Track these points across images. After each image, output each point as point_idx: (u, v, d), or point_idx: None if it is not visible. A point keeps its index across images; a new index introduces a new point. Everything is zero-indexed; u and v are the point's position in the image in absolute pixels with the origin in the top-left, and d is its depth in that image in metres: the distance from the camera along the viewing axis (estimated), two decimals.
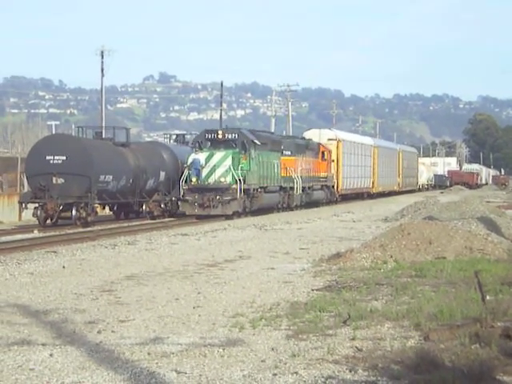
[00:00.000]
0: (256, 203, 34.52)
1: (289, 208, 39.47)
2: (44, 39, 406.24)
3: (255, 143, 33.88)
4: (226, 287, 13.05)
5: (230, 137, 33.31)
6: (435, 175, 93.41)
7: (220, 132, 33.62)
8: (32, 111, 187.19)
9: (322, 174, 45.59)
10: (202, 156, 32.58)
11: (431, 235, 16.01)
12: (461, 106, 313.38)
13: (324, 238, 22.68)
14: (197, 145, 33.56)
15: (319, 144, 46.29)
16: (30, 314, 10.65)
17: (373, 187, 59.81)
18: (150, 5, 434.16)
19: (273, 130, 58.20)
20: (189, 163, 32.66)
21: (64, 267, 15.88)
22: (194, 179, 32.34)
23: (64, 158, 27.87)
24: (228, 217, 32.11)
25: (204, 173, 32.40)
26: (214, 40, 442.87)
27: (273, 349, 8.56)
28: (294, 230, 26.60)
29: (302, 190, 40.93)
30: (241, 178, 32.17)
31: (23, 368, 7.83)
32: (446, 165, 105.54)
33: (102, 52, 55.03)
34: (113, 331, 9.56)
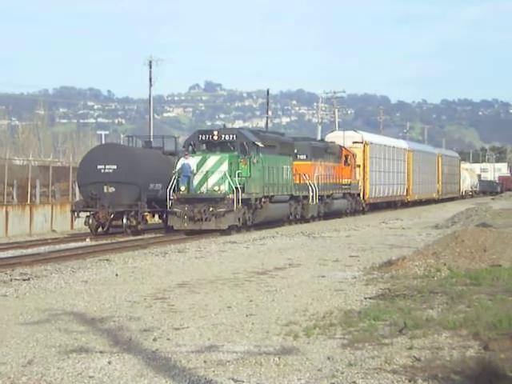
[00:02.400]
0: (260, 215, 30.01)
1: (303, 220, 35.15)
2: (93, 50, 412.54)
3: (257, 145, 29.27)
4: (278, 295, 13.04)
5: (226, 138, 28.68)
6: (483, 181, 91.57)
7: (215, 132, 28.82)
8: (81, 121, 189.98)
9: (345, 181, 41.16)
10: (192, 160, 27.83)
11: (486, 242, 15.78)
12: (511, 111, 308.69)
13: (374, 246, 22.52)
14: (189, 148, 28.82)
15: (341, 147, 41.94)
16: (87, 321, 10.79)
17: (407, 195, 55.16)
18: (195, 14, 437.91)
19: (319, 137, 54.91)
20: (177, 169, 27.94)
21: (117, 275, 16.05)
22: (182, 188, 27.54)
23: (115, 167, 28.20)
24: (223, 232, 27.48)
25: (196, 180, 27.78)
26: (260, 48, 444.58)
27: (329, 358, 8.52)
28: (343, 237, 26.47)
29: (320, 199, 36.53)
30: (238, 186, 27.40)
31: (83, 376, 7.92)
32: (496, 171, 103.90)
33: (151, 62, 55.62)
34: (168, 339, 9.62)
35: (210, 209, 27.05)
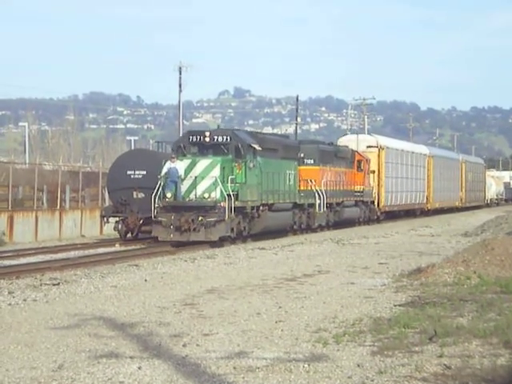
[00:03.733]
0: (257, 225, 27.31)
1: (310, 229, 32.58)
2: (122, 56, 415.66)
3: (254, 148, 26.54)
4: (307, 302, 13.01)
5: (219, 140, 25.90)
6: (510, 189, 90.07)
7: (207, 134, 26.09)
8: (111, 126, 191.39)
9: (357, 188, 38.42)
10: (180, 165, 25.10)
11: None
12: None
13: (403, 253, 22.39)
14: (179, 150, 26.07)
15: (354, 152, 39.16)
16: (116, 326, 10.84)
17: (428, 203, 52.06)
18: (224, 20, 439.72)
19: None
20: (163, 173, 25.24)
21: (146, 280, 16.12)
22: (169, 195, 24.83)
23: (144, 172, 28.31)
24: (214, 244, 24.89)
25: (184, 186, 25.05)
26: (289, 54, 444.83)
27: (358, 365, 8.48)
28: (372, 244, 26.37)
29: (328, 207, 33.93)
30: (231, 193, 24.78)
31: (113, 381, 7.96)
32: None
33: (180, 68, 55.91)
34: (197, 345, 9.63)
35: (199, 218, 24.30)
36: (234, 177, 25.27)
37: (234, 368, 8.40)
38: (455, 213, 56.46)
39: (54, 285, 15.33)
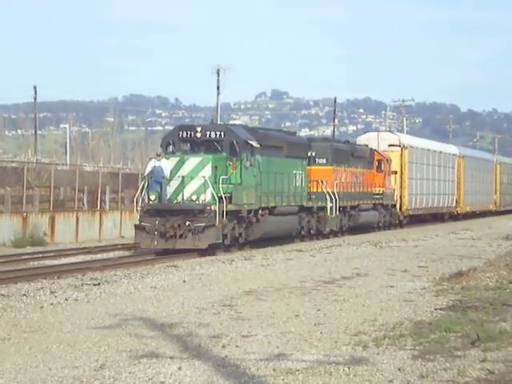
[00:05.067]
0: (256, 231, 24.78)
1: (321, 235, 30.11)
2: (161, 58, 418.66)
3: (251, 145, 24.02)
4: (346, 305, 12.96)
5: (212, 136, 23.36)
6: None
7: (198, 129, 23.47)
8: (149, 128, 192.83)
9: (377, 190, 35.87)
10: (166, 163, 22.65)
11: None
12: None
13: (443, 256, 22.18)
14: (169, 148, 23.74)
15: (373, 151, 36.59)
16: (156, 327, 10.91)
17: (457, 206, 49.24)
18: (262, 23, 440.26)
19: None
20: (146, 173, 23.04)
21: (185, 281, 16.19)
22: (152, 197, 22.45)
23: None
24: (202, 252, 22.40)
25: (170, 188, 22.57)
26: (326, 56, 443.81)
27: (399, 369, 8.42)
28: (411, 247, 26.18)
29: (342, 211, 31.39)
30: (223, 195, 22.35)
31: (154, 381, 8.00)
32: None
33: (218, 70, 56.18)
34: (237, 346, 9.65)
35: (186, 223, 21.83)
36: (226, 177, 22.80)
37: (274, 370, 8.39)
38: (488, 217, 54.34)
39: (94, 285, 15.48)
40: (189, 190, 22.48)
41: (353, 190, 33.17)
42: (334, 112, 69.22)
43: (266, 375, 8.18)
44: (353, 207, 33.12)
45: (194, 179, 22.43)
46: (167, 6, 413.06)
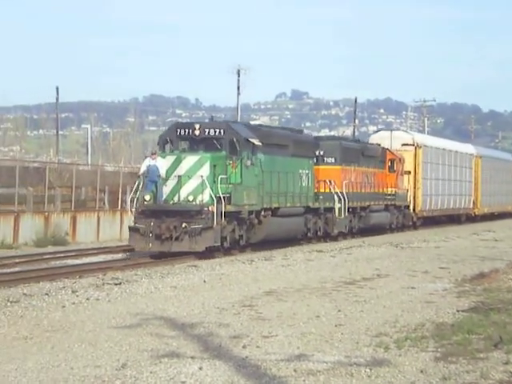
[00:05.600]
0: (258, 233, 23.78)
1: (329, 237, 29.19)
2: (181, 59, 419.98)
3: (253, 143, 23.02)
4: (367, 306, 12.92)
5: (211, 133, 22.46)
6: None
7: (197, 126, 22.59)
8: None
9: (389, 190, 34.74)
10: (161, 162, 21.68)
11: None
12: None
13: (465, 258, 22.05)
14: (166, 146, 22.98)
15: (385, 150, 35.52)
16: (177, 326, 10.93)
17: (475, 207, 48.06)
18: (282, 23, 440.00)
19: None
20: (141, 172, 22.16)
21: (205, 281, 16.22)
22: (147, 197, 21.42)
23: None
24: (201, 255, 21.41)
25: (167, 188, 21.58)
26: (346, 56, 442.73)
27: (422, 371, 8.38)
28: (432, 248, 26.05)
29: (351, 212, 30.40)
30: (222, 196, 21.27)
31: (175, 381, 8.02)
32: None
33: (239, 70, 56.24)
34: (257, 346, 9.65)
35: (183, 225, 20.83)
36: (225, 176, 21.69)
37: (295, 371, 8.38)
38: (508, 218, 52.84)
39: (115, 284, 15.54)
40: (186, 190, 21.43)
41: (363, 191, 32.16)
42: (355, 112, 69.08)
43: (286, 376, 8.17)
44: (363, 208, 32.03)
45: (192, 179, 21.42)
46: (188, 7, 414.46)
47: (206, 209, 21.08)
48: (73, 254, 23.92)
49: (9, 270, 18.53)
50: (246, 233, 23.26)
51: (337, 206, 28.84)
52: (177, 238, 20.87)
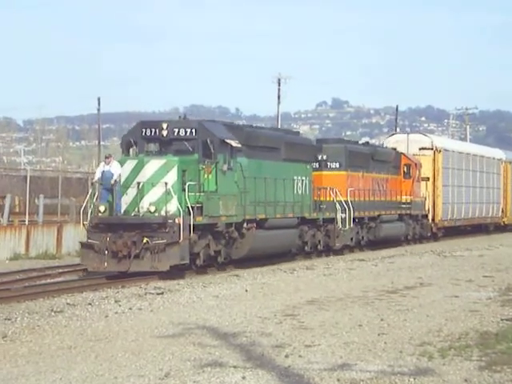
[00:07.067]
0: (240, 248, 20.66)
1: (330, 251, 26.16)
2: (222, 68, 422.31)
3: (231, 145, 19.98)
4: (410, 314, 12.82)
5: (181, 133, 19.49)
6: None
7: (164, 126, 19.56)
8: None
9: (403, 198, 31.90)
10: (116, 168, 18.83)
11: None
12: None
13: (509, 266, 21.77)
14: (132, 149, 19.91)
15: (400, 154, 32.77)
16: (219, 336, 10.96)
17: (504, 216, 44.88)
18: (323, 31, 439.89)
19: None
20: (95, 179, 19.37)
21: (246, 291, 16.24)
22: (101, 208, 18.59)
23: None
24: (164, 275, 18.35)
25: (128, 197, 18.64)
26: (387, 64, 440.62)
27: (466, 380, 8.30)
28: (475, 256, 25.75)
29: (358, 223, 27.67)
30: (191, 206, 18.30)
31: None
32: None
33: (279, 80, 56.34)
34: (300, 356, 9.62)
35: (144, 240, 17.97)
36: (194, 183, 18.75)
37: (338, 380, 8.35)
38: None
39: (158, 294, 15.65)
40: (148, 200, 18.45)
41: (372, 199, 29.22)
42: (396, 120, 68.68)
43: None
44: (372, 218, 29.03)
45: (155, 187, 18.44)
46: (228, 16, 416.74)
47: (171, 221, 18.09)
48: None
49: (52, 280, 18.73)
50: (224, 248, 20.23)
51: (339, 215, 25.86)
52: (136, 256, 17.92)
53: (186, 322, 12.06)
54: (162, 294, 15.69)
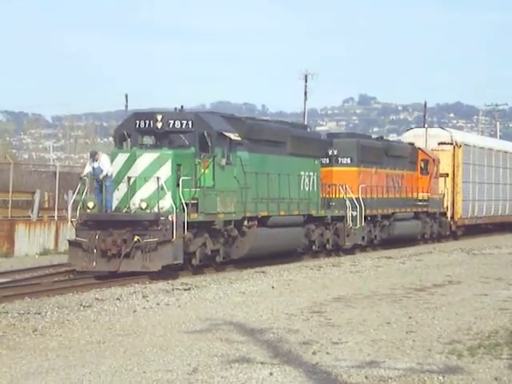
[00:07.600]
0: (240, 247, 19.79)
1: (341, 250, 25.27)
2: (248, 65, 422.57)
3: (230, 138, 19.03)
4: (438, 312, 12.74)
5: (177, 126, 18.51)
6: None
7: (159, 117, 18.55)
8: None
9: (420, 195, 30.70)
10: (105, 162, 17.87)
11: None
12: None
13: None
14: (125, 142, 18.94)
15: (416, 149, 31.55)
16: (246, 332, 10.97)
17: None
18: (349, 28, 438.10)
19: None
20: (84, 173, 18.34)
21: (273, 287, 16.24)
22: (90, 204, 17.70)
23: None
24: (155, 275, 17.32)
25: (119, 192, 17.81)
26: (415, 60, 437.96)
27: (496, 378, 8.23)
28: (505, 254, 25.56)
29: (370, 221, 26.65)
30: (186, 202, 17.47)
31: None
32: None
33: (306, 76, 56.26)
34: (327, 353, 9.60)
35: (135, 238, 17.02)
36: (189, 178, 17.84)
37: (366, 377, 8.31)
38: None
39: (185, 290, 15.70)
40: (139, 196, 17.52)
41: (386, 196, 28.10)
42: (424, 117, 68.17)
43: (358, 383, 8.12)
44: (386, 216, 27.82)
45: (148, 182, 17.53)
46: (254, 13, 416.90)
47: (163, 218, 17.13)
48: None
49: (81, 276, 18.87)
50: (223, 247, 19.35)
51: (349, 213, 24.72)
52: (127, 255, 16.99)
53: (212, 318, 12.09)
54: (189, 289, 15.74)
